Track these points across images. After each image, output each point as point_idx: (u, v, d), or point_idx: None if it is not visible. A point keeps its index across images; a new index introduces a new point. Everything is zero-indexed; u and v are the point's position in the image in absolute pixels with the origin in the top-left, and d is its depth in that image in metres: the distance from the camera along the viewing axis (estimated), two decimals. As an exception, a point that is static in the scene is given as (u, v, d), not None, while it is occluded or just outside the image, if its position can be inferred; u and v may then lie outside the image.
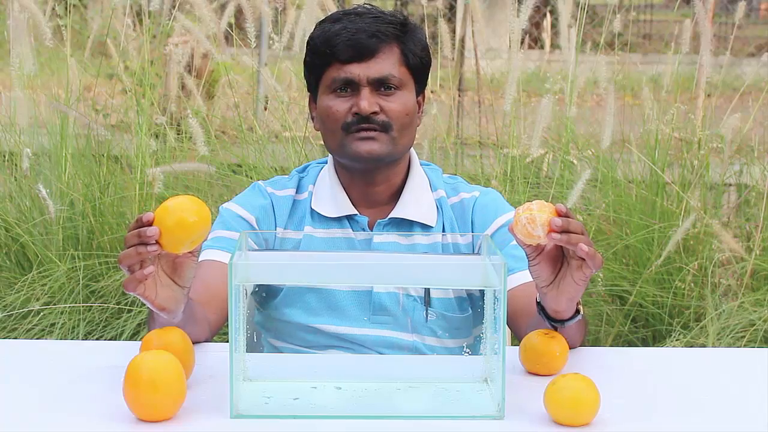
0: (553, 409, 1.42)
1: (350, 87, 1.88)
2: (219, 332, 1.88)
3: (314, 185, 1.99)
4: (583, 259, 1.58)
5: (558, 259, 1.63)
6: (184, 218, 1.50)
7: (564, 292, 1.63)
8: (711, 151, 3.67)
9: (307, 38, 1.95)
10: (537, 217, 1.55)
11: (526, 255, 1.63)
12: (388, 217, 1.94)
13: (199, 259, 1.91)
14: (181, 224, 1.50)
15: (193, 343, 1.59)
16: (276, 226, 1.96)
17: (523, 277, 1.85)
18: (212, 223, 1.69)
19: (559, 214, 1.56)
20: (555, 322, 1.70)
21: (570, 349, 1.66)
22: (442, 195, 1.99)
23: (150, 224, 1.50)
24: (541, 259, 1.62)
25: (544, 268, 1.63)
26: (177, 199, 1.52)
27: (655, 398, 1.54)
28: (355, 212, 1.94)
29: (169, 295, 1.57)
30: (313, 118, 1.99)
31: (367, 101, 1.86)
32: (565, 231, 1.55)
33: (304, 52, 1.95)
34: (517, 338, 1.87)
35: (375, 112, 1.86)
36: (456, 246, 1.95)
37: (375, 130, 1.87)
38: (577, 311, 1.69)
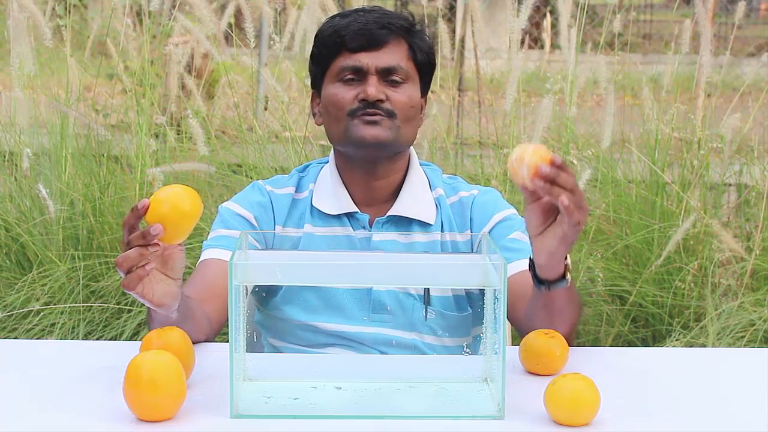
0: (553, 409, 1.42)
1: (358, 75, 1.89)
2: (220, 332, 1.87)
3: (315, 183, 1.99)
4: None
5: (551, 212, 1.63)
6: (180, 208, 1.48)
7: (546, 245, 1.64)
8: (711, 151, 3.67)
9: (306, 38, 1.96)
10: (526, 158, 1.55)
11: (525, 198, 1.63)
12: (387, 214, 1.94)
13: (200, 259, 1.92)
14: (177, 214, 1.48)
15: (193, 341, 1.58)
16: (275, 224, 1.96)
17: (521, 265, 1.85)
18: (204, 214, 1.67)
19: (553, 165, 1.56)
20: (541, 284, 1.69)
21: (566, 328, 1.67)
22: (440, 194, 1.99)
23: (145, 212, 1.48)
24: (535, 206, 1.62)
25: (534, 216, 1.63)
26: (169, 189, 1.50)
27: (654, 398, 1.54)
28: (356, 210, 1.94)
29: (165, 291, 1.56)
30: (314, 115, 1.99)
31: (374, 87, 1.87)
32: (552, 182, 1.55)
33: (306, 51, 1.96)
34: (515, 328, 1.87)
35: (381, 100, 1.87)
36: (455, 244, 1.95)
37: (379, 115, 1.87)
38: (565, 278, 1.69)
